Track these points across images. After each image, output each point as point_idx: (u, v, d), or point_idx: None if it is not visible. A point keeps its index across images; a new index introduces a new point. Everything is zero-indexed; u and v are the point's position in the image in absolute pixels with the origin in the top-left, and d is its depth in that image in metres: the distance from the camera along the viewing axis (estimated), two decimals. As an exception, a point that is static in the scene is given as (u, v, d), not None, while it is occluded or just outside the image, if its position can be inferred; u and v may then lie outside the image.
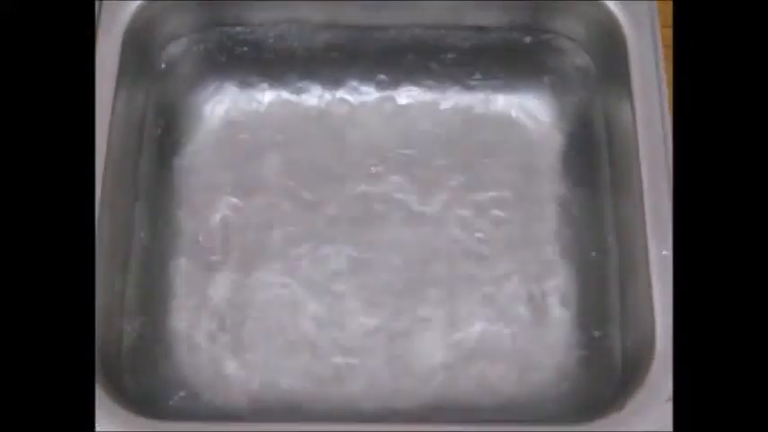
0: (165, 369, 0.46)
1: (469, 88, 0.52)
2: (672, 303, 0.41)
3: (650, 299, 0.41)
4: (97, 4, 0.46)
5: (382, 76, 0.52)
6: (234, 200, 0.49)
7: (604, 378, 0.45)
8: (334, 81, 0.51)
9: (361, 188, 0.49)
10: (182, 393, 0.45)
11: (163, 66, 0.50)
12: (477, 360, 0.46)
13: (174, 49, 0.50)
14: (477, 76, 0.52)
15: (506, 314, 0.47)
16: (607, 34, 0.47)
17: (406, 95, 0.52)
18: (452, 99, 0.52)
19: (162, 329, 0.47)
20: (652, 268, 0.42)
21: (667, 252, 0.41)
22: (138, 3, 0.47)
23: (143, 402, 0.42)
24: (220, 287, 0.47)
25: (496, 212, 0.49)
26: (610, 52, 0.47)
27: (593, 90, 0.50)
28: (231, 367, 0.46)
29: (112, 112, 0.44)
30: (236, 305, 0.47)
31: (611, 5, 0.47)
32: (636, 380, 0.40)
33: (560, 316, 0.47)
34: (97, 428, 0.39)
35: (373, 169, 0.49)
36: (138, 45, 0.47)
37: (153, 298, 0.47)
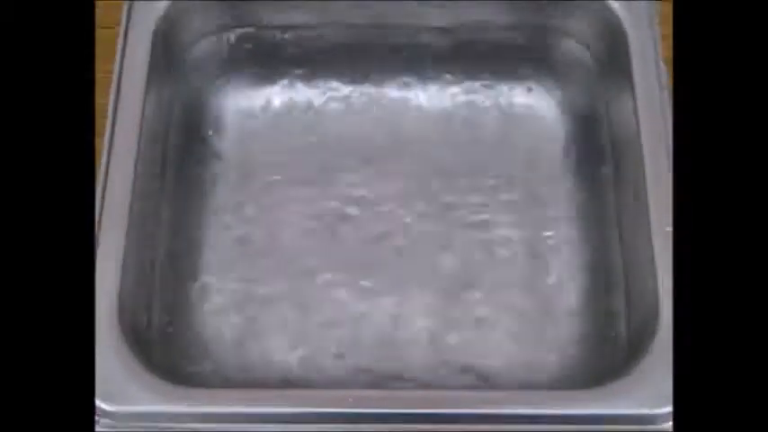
0: (193, 342, 0.46)
1: (479, 83, 0.52)
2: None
3: (654, 273, 0.41)
4: (126, 4, 0.47)
5: (394, 74, 0.52)
6: (253, 184, 0.49)
7: (611, 348, 0.45)
8: (345, 78, 0.52)
9: (370, 171, 0.50)
10: (208, 366, 0.45)
11: (187, 62, 0.50)
12: (486, 329, 0.46)
13: (198, 46, 0.51)
14: (486, 71, 0.52)
15: (515, 290, 0.47)
16: (609, 31, 0.48)
17: (419, 91, 0.52)
18: (463, 94, 0.52)
19: (189, 307, 0.47)
20: (655, 244, 0.41)
21: (670, 228, 0.41)
22: (165, 4, 0.47)
23: (170, 373, 0.42)
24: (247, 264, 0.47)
25: (505, 197, 0.49)
26: (611, 48, 0.48)
27: (596, 84, 0.50)
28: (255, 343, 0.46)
29: (144, 103, 0.45)
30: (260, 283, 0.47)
31: (613, 4, 0.47)
32: (641, 349, 0.40)
33: (567, 290, 0.47)
34: (129, 397, 0.39)
35: (383, 159, 0.50)
36: (166, 43, 0.48)
37: (181, 279, 0.47)
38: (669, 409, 0.39)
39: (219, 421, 0.39)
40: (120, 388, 0.39)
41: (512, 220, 0.49)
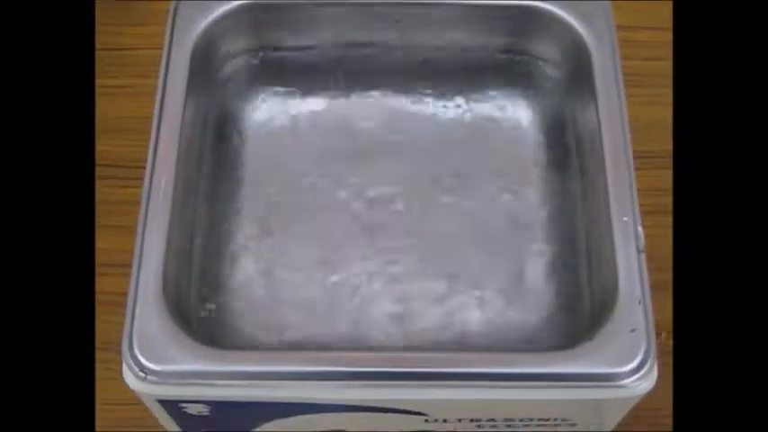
0: (226, 311, 0.49)
1: (466, 97, 0.55)
2: (633, 258, 0.43)
3: (613, 256, 0.44)
4: (169, 29, 0.50)
5: (396, 88, 0.55)
6: (275, 178, 0.52)
7: (577, 319, 0.48)
8: (357, 92, 0.55)
9: (375, 170, 0.53)
10: (239, 331, 0.48)
11: (220, 78, 0.53)
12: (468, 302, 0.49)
13: (229, 65, 0.53)
14: (465, 91, 0.55)
15: (493, 269, 0.50)
16: (575, 52, 0.50)
17: (414, 103, 0.55)
18: (453, 106, 0.55)
19: (223, 281, 0.50)
20: (615, 232, 0.44)
21: (626, 218, 0.45)
22: (202, 29, 0.50)
23: (206, 337, 0.44)
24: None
25: (487, 189, 0.52)
26: (577, 66, 0.51)
27: (564, 96, 0.53)
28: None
29: (184, 111, 0.48)
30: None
31: (579, 29, 0.50)
32: (603, 317, 0.43)
33: (539, 270, 0.50)
34: (170, 357, 0.41)
35: (385, 160, 0.53)
36: (202, 62, 0.50)
37: (215, 258, 0.50)
38: (627, 368, 0.41)
39: (249, 378, 0.42)
40: (163, 350, 0.42)
41: (491, 209, 0.51)
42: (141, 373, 0.42)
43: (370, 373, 0.42)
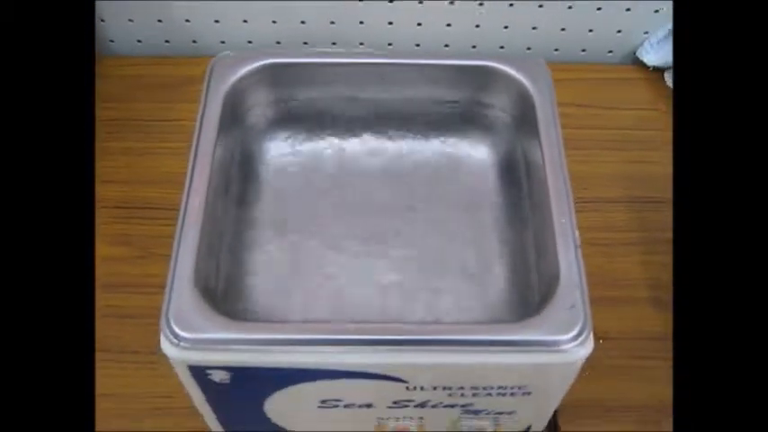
0: (245, 294, 0.48)
1: (433, 140, 0.55)
2: (572, 251, 0.43)
3: (555, 252, 0.44)
4: (207, 78, 0.51)
5: (382, 131, 0.55)
6: (289, 200, 0.52)
7: (526, 301, 0.48)
8: (351, 135, 0.55)
9: (364, 193, 0.53)
10: (254, 310, 0.47)
11: (246, 121, 0.54)
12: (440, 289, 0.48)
13: (253, 111, 0.54)
14: (438, 132, 0.55)
15: (458, 266, 0.50)
16: (522, 101, 0.51)
17: (395, 143, 0.55)
18: (427, 145, 0.55)
19: (244, 271, 0.49)
20: (556, 231, 0.45)
21: (564, 220, 0.45)
22: (232, 81, 0.51)
23: (228, 313, 0.44)
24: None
25: (456, 210, 0.52)
26: (524, 113, 0.51)
27: (515, 138, 0.54)
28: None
29: (214, 153, 0.48)
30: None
31: (526, 84, 0.51)
32: (548, 299, 0.43)
33: (498, 265, 0.50)
34: (199, 327, 0.41)
35: (372, 186, 0.53)
36: (232, 107, 0.51)
37: (238, 254, 0.50)
38: (568, 336, 0.41)
39: (261, 344, 0.42)
40: (194, 322, 0.42)
41: (460, 220, 0.51)
42: (175, 341, 0.42)
43: (363, 340, 0.42)
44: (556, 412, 0.58)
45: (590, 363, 0.61)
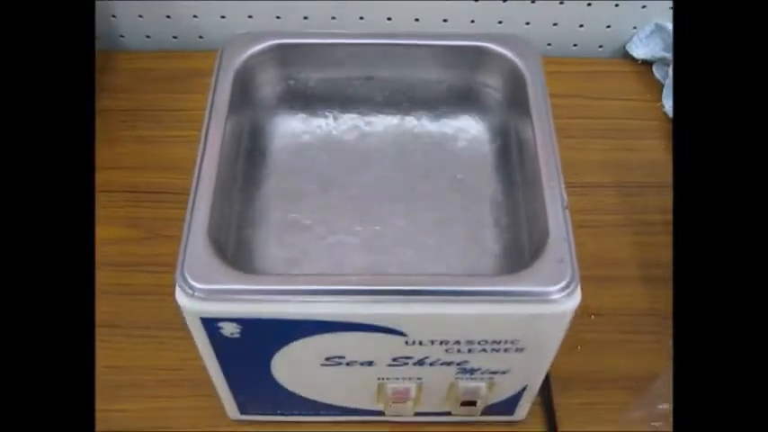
0: (254, 250, 0.51)
1: (429, 117, 0.58)
2: (560, 211, 0.46)
3: (545, 213, 0.46)
4: (218, 60, 0.53)
5: (386, 110, 0.58)
6: (295, 176, 0.54)
7: (519, 255, 0.50)
8: (356, 113, 0.58)
9: (366, 168, 0.55)
10: (265, 266, 0.50)
11: (255, 100, 0.56)
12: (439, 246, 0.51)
13: (262, 90, 0.56)
14: (434, 110, 0.57)
15: (458, 227, 0.52)
16: (514, 79, 0.54)
17: (398, 121, 0.58)
18: (421, 125, 0.58)
19: (253, 230, 0.52)
20: (545, 193, 0.47)
21: (553, 183, 0.47)
22: (241, 61, 0.53)
23: (238, 266, 0.46)
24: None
25: (453, 182, 0.54)
26: (516, 90, 0.54)
27: (507, 115, 0.56)
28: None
29: (225, 128, 0.50)
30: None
31: (517, 62, 0.54)
32: (538, 254, 0.45)
33: (493, 227, 0.52)
34: (212, 278, 0.43)
35: (373, 163, 0.55)
36: (242, 86, 0.53)
37: (248, 216, 0.52)
38: (557, 287, 0.43)
39: (269, 294, 0.44)
40: (208, 273, 0.44)
41: (454, 189, 0.54)
42: (189, 291, 0.44)
43: (367, 290, 0.44)
44: (550, 387, 0.61)
45: (582, 338, 0.64)
